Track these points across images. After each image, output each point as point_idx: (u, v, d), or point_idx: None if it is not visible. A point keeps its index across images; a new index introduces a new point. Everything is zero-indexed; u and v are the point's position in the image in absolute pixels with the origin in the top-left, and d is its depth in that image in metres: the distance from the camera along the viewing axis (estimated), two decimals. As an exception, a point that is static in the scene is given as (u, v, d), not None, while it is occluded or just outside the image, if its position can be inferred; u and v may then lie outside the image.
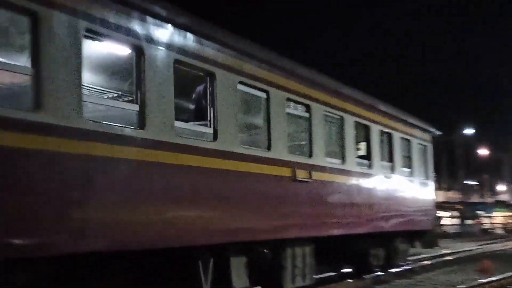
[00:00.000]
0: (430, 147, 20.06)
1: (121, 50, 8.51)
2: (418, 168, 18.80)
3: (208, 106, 9.83)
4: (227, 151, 9.93)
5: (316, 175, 12.55)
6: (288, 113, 11.99)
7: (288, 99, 11.96)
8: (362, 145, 15.72)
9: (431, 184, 20.02)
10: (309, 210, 12.36)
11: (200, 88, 10.28)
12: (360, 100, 15.12)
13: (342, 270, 17.05)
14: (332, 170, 13.38)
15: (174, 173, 8.80)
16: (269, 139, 11.21)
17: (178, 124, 9.04)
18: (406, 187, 17.70)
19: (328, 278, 16.45)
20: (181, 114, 9.76)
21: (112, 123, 7.92)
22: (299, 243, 12.37)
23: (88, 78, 8.46)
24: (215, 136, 9.75)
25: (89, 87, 8.46)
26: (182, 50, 9.13)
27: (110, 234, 7.74)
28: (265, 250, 11.44)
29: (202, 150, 9.43)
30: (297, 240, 12.28)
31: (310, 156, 12.59)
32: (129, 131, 8.11)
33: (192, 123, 9.79)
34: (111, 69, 9.23)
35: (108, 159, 7.71)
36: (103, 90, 9.05)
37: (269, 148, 11.18)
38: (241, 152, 10.29)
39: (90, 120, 7.55)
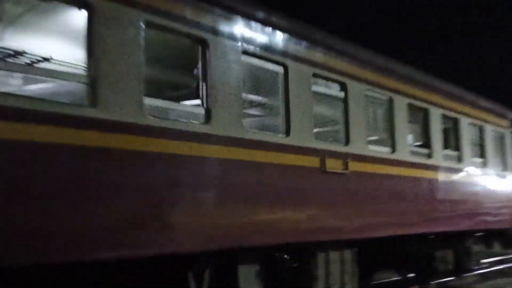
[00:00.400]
0: (508, 134, 17.58)
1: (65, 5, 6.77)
2: (493, 158, 16.39)
3: (200, 81, 8.02)
4: (224, 136, 8.09)
5: (355, 166, 10.53)
6: (316, 92, 10.03)
7: (315, 75, 10.00)
8: (419, 131, 13.62)
9: (511, 177, 17.53)
10: (345, 207, 10.36)
11: None
12: (414, 79, 12.94)
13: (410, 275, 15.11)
14: (377, 160, 11.31)
15: (143, 163, 7.01)
16: (288, 123, 9.27)
17: (150, 101, 7.26)
18: (478, 179, 15.35)
19: (383, 285, 14.52)
20: (165, 90, 8.05)
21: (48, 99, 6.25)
22: (335, 247, 10.40)
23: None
24: (207, 118, 7.93)
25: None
26: (154, 9, 7.33)
27: None
28: (285, 256, 9.56)
29: (188, 134, 7.61)
30: (333, 244, 10.32)
31: (347, 143, 10.58)
32: (73, 109, 6.38)
33: (176, 102, 8.01)
34: (49, 29, 7.48)
35: (36, 145, 6.02)
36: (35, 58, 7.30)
37: (287, 133, 9.26)
38: (245, 138, 8.43)
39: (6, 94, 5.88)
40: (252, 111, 9.33)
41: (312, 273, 9.95)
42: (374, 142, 11.66)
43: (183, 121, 7.60)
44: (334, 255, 10.35)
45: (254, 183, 8.54)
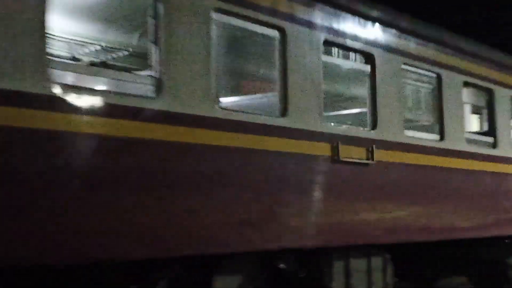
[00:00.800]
0: None
1: None
2: None
3: (149, 43, 6.35)
4: (183, 114, 6.38)
5: (384, 155, 8.60)
6: (328, 64, 8.17)
7: (327, 43, 8.14)
8: (481, 117, 11.54)
9: None
10: (367, 204, 8.48)
11: None
12: (472, 52, 10.81)
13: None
14: (418, 149, 9.33)
15: (47, 146, 5.41)
16: (285, 101, 7.46)
17: (63, 66, 5.65)
18: None
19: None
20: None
21: None
22: (358, 253, 8.55)
23: None
24: (159, 90, 6.24)
25: None
26: None
27: None
28: (281, 265, 7.78)
29: (132, 111, 5.96)
30: (354, 249, 8.48)
31: (374, 127, 8.66)
32: None
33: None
34: None
35: None
36: None
37: (284, 113, 7.45)
38: (217, 116, 6.68)
39: None
40: (235, 85, 7.61)
41: (326, 285, 8.17)
42: (415, 128, 9.71)
43: (122, 94, 5.95)
44: (357, 264, 8.51)
45: (233, 174, 6.82)
